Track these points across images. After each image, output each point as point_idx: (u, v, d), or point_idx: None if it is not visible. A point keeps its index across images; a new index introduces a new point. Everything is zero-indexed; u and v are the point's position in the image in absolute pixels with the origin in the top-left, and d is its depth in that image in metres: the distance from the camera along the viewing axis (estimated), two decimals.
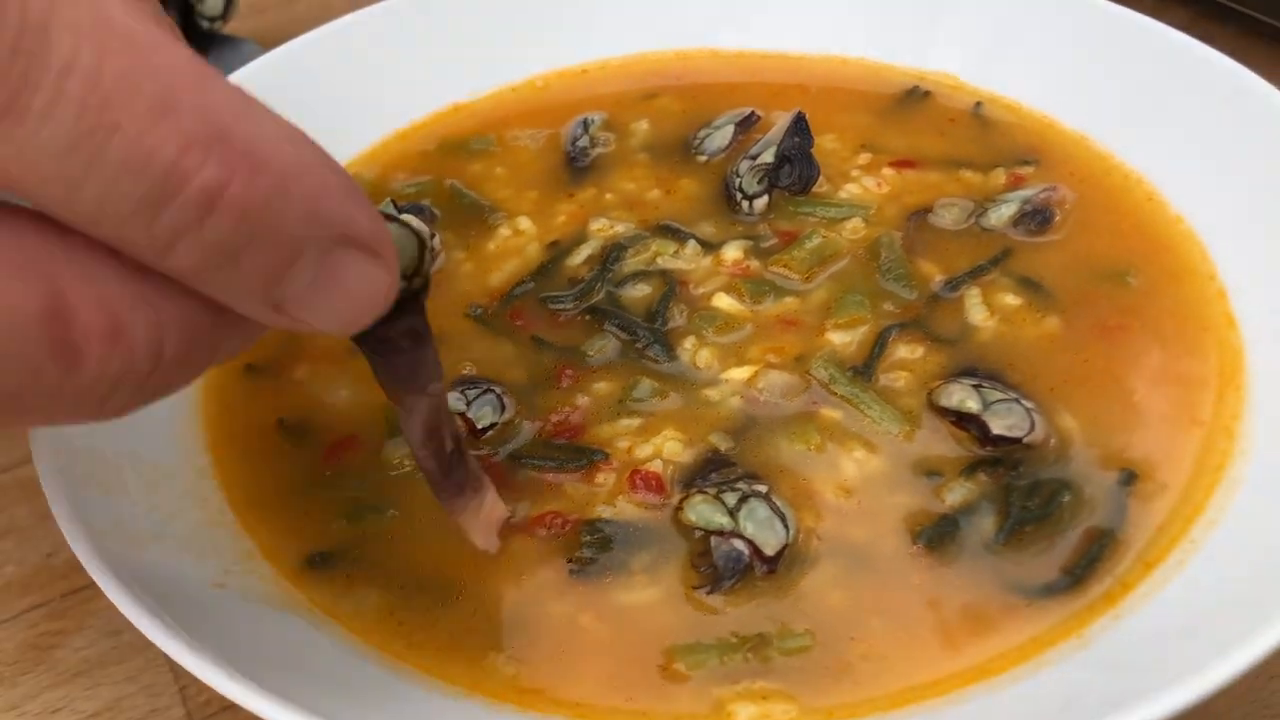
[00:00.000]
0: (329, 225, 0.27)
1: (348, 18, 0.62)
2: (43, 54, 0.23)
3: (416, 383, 0.35)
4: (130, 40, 0.24)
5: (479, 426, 0.45)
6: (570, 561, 0.41)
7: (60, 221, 0.25)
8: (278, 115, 0.27)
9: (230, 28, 0.87)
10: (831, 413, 0.45)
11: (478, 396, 0.46)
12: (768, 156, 0.55)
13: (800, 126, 0.55)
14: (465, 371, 0.48)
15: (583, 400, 0.47)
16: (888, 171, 0.56)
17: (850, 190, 0.55)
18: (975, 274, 0.51)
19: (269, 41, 0.79)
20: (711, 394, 0.47)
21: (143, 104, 0.24)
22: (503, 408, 0.45)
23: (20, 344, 0.25)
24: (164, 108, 0.24)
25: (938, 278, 0.51)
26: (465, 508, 0.38)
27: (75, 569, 0.50)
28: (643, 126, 0.61)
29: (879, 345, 0.47)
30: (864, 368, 0.47)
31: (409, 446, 0.37)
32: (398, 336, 0.33)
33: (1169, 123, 0.55)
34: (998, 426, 0.43)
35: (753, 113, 0.60)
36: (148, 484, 0.42)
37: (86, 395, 0.26)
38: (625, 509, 0.43)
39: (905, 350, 0.47)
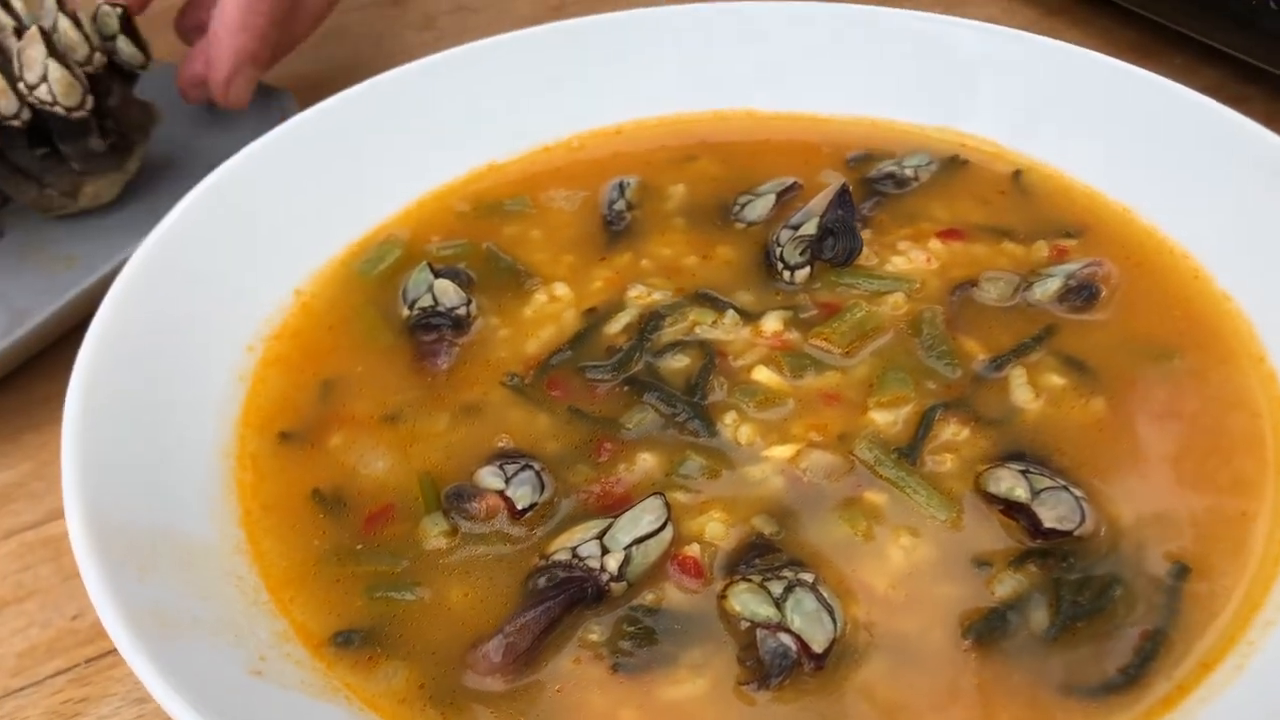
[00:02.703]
0: None
1: (383, 76, 0.62)
2: None
3: None
4: None
5: (519, 507, 0.44)
6: (612, 654, 0.40)
7: None
8: None
9: (266, 75, 0.87)
10: (876, 496, 0.45)
11: (516, 473, 0.45)
12: (810, 228, 0.54)
13: (844, 199, 0.54)
14: (501, 444, 0.47)
15: (624, 472, 0.46)
16: (935, 244, 0.56)
17: (896, 263, 0.55)
18: (1019, 352, 0.50)
19: (302, 88, 0.79)
20: (754, 472, 0.46)
21: None
22: (542, 486, 0.45)
23: None
24: None
25: (981, 355, 0.50)
26: None
27: (100, 633, 0.49)
28: (679, 190, 0.61)
29: (924, 426, 0.47)
30: (909, 449, 0.46)
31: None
32: None
33: (1214, 196, 0.54)
34: (1049, 519, 0.42)
35: (796, 182, 0.60)
36: (182, 563, 0.42)
37: None
38: (669, 594, 0.42)
39: (951, 431, 0.47)
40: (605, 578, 0.41)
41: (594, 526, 0.43)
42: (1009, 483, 0.43)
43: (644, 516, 0.43)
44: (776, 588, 0.40)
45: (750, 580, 0.41)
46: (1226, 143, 0.55)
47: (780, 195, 0.59)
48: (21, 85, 0.61)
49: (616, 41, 0.65)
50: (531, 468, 0.45)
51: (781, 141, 0.64)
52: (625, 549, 0.42)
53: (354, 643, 0.41)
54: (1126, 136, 0.58)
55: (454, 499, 0.45)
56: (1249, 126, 0.55)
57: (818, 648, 0.39)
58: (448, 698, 0.39)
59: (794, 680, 0.39)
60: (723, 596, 0.41)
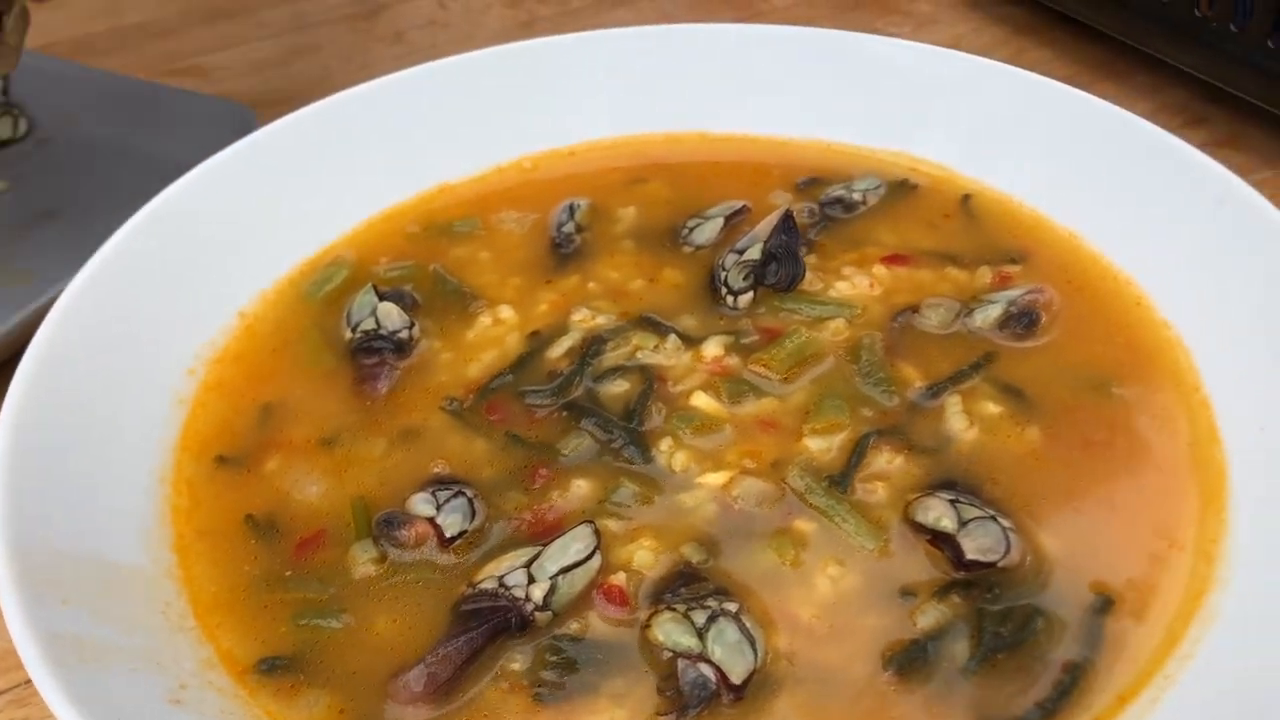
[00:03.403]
0: None
1: (334, 98, 0.62)
2: None
3: None
4: None
5: (447, 535, 0.44)
6: (533, 684, 0.40)
7: None
8: None
9: (228, 87, 0.87)
10: (806, 525, 0.45)
11: (448, 500, 0.45)
12: (754, 253, 0.54)
13: (788, 225, 0.54)
14: (437, 470, 0.48)
15: (558, 499, 0.46)
16: (879, 270, 0.56)
17: (840, 288, 0.55)
18: (956, 380, 0.50)
19: (263, 104, 0.79)
20: (686, 499, 0.46)
21: None
22: (473, 514, 0.45)
23: None
24: None
25: (918, 383, 0.50)
26: None
27: None
28: (629, 213, 0.61)
29: (857, 454, 0.47)
30: (840, 477, 0.46)
31: None
32: None
33: (1159, 224, 0.55)
34: (971, 550, 0.42)
35: (745, 206, 0.60)
36: (109, 588, 0.42)
37: None
38: (593, 623, 0.42)
39: (884, 459, 0.47)
40: (530, 607, 0.41)
41: (523, 555, 0.43)
42: (936, 512, 0.44)
43: (573, 545, 0.43)
44: (700, 617, 0.40)
45: (675, 610, 0.41)
46: (1173, 171, 0.55)
47: (729, 219, 0.59)
48: None
49: (570, 63, 0.65)
50: (464, 494, 0.45)
51: (733, 164, 0.64)
52: (551, 578, 0.42)
53: (278, 670, 0.41)
54: (1075, 162, 0.58)
55: (384, 526, 0.45)
56: (1195, 156, 0.55)
57: (736, 679, 0.39)
58: None
59: (712, 711, 0.39)
60: (647, 626, 0.41)
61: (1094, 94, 0.60)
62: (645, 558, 0.44)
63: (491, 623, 0.41)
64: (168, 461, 0.49)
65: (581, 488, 0.46)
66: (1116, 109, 0.59)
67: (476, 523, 0.45)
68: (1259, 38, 0.71)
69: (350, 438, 0.49)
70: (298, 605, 0.43)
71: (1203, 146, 0.77)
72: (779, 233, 0.54)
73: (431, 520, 0.44)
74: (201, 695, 0.40)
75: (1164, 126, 0.79)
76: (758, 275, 0.54)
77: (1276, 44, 0.71)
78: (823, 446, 0.47)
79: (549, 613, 0.42)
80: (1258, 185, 0.74)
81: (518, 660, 0.41)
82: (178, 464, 0.49)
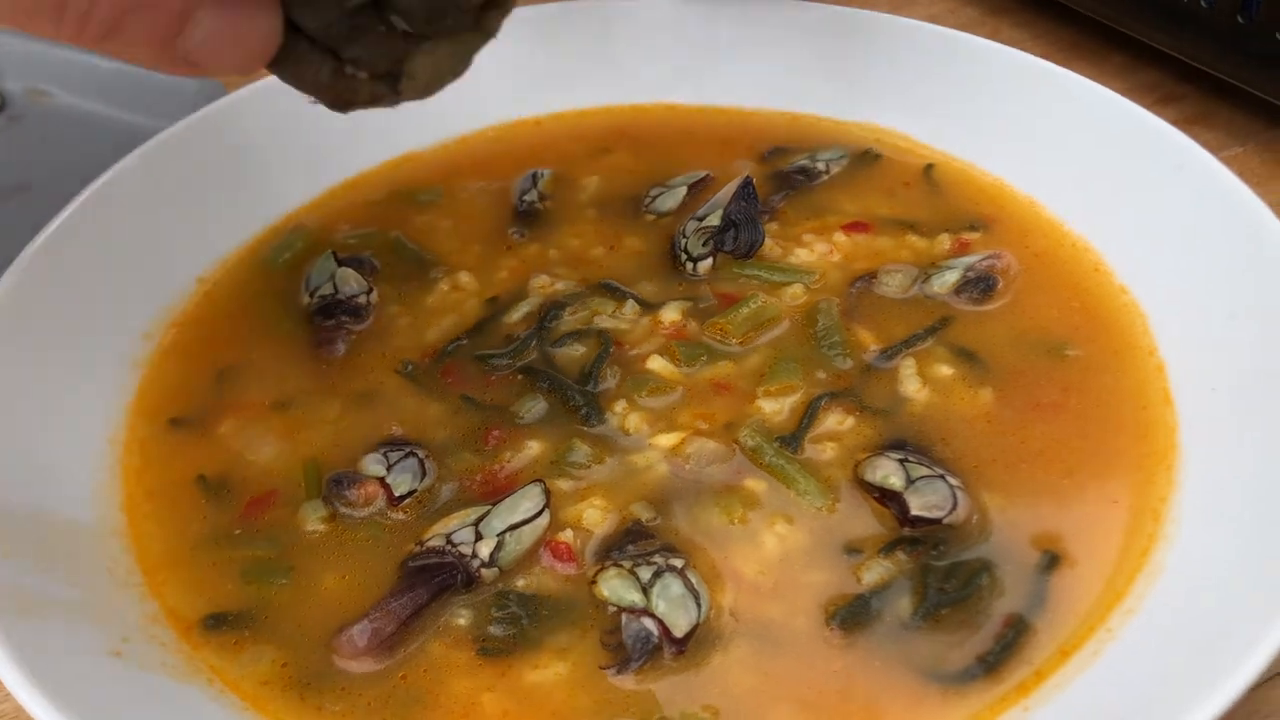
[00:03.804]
0: None
1: None
2: None
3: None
4: None
5: (396, 494, 0.44)
6: (477, 639, 0.40)
7: None
8: None
9: None
10: (755, 484, 0.45)
11: (399, 461, 0.45)
12: (714, 219, 0.54)
13: (747, 191, 0.54)
14: (393, 431, 0.48)
15: (510, 460, 0.46)
16: (839, 237, 0.56)
17: (800, 255, 0.55)
18: (911, 343, 0.50)
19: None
20: (638, 460, 0.46)
21: None
22: (424, 473, 0.45)
23: None
24: None
25: (873, 346, 0.50)
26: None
27: None
28: (593, 182, 0.61)
29: (808, 415, 0.47)
30: (791, 438, 0.46)
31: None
32: None
33: (1120, 191, 0.55)
34: (916, 506, 0.42)
35: (708, 175, 0.60)
36: (54, 544, 0.42)
37: None
38: (540, 580, 0.42)
39: (835, 420, 0.47)
40: (476, 564, 0.41)
41: (473, 513, 0.43)
42: (884, 470, 0.44)
43: (522, 503, 0.43)
44: (645, 573, 0.40)
45: (621, 566, 0.41)
46: (1135, 139, 0.55)
47: (692, 188, 0.59)
48: None
49: (538, 34, 0.65)
50: (416, 455, 0.45)
51: (699, 135, 0.64)
52: (499, 535, 0.42)
53: (223, 626, 0.41)
54: (1038, 131, 0.58)
55: (334, 485, 0.45)
56: (1154, 122, 0.55)
57: (679, 632, 0.39)
58: (310, 680, 0.39)
59: (654, 664, 0.39)
60: (593, 582, 0.41)
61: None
62: (594, 516, 0.44)
63: (437, 579, 0.41)
64: (121, 423, 0.49)
65: (534, 449, 0.46)
66: (1076, 76, 0.59)
67: (426, 482, 0.45)
68: (1229, 14, 0.71)
69: (305, 401, 0.49)
70: (246, 563, 0.43)
71: (1174, 123, 0.77)
72: (738, 199, 0.54)
73: (381, 480, 0.44)
74: (144, 649, 0.40)
75: (1136, 104, 0.80)
76: (717, 242, 0.54)
77: (1246, 20, 0.71)
78: (775, 408, 0.47)
79: (495, 569, 0.42)
80: (1228, 161, 0.74)
81: (463, 616, 0.41)
82: (131, 426, 0.49)
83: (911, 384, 0.48)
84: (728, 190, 0.55)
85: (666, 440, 0.46)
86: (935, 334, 0.50)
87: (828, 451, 0.46)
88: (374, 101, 0.38)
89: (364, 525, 0.44)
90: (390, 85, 0.37)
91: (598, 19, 0.66)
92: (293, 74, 0.36)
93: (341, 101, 0.37)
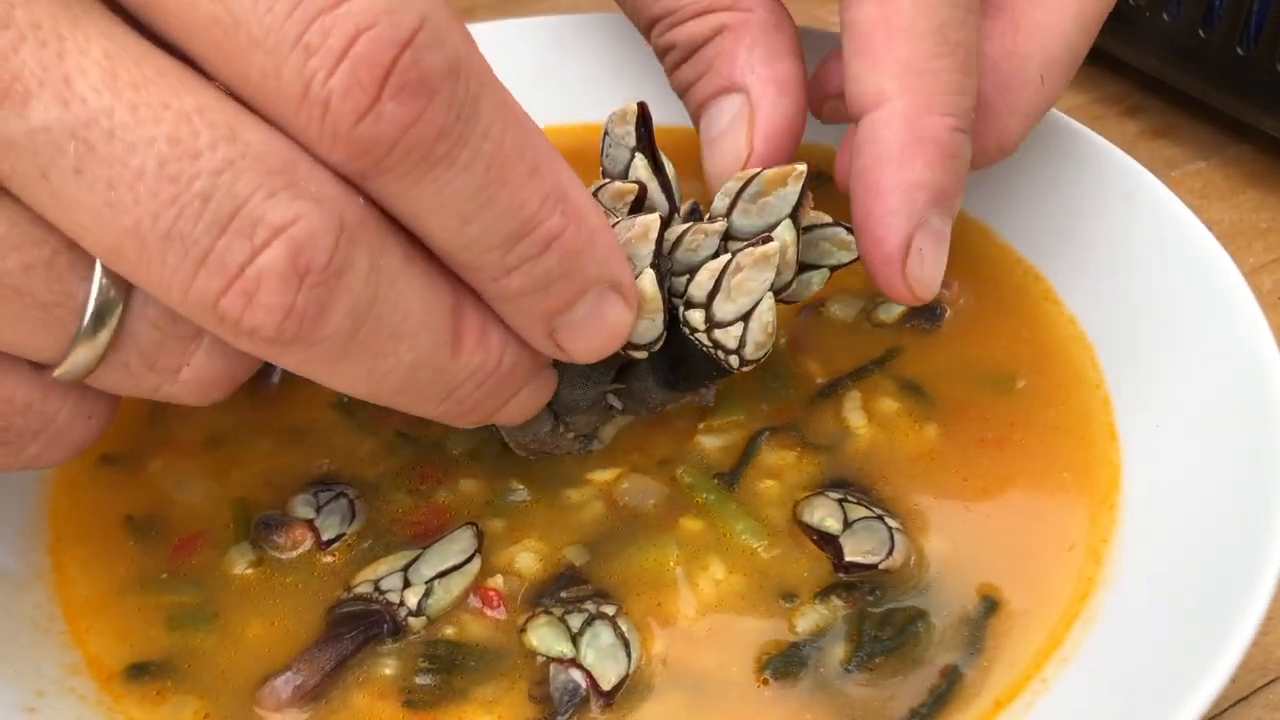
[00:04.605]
0: (610, 274, 0.36)
1: None
2: (473, 121, 0.30)
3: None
4: (518, 118, 0.32)
5: (324, 538, 0.43)
6: (403, 690, 0.39)
7: (437, 250, 0.33)
8: (583, 185, 0.35)
9: None
10: (693, 524, 0.44)
11: (329, 502, 0.44)
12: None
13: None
14: (324, 469, 0.47)
15: (444, 499, 0.45)
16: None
17: None
18: (856, 376, 0.49)
19: None
20: (573, 495, 0.45)
21: (524, 167, 0.32)
22: (353, 515, 0.44)
23: (436, 323, 0.33)
24: (534, 171, 0.32)
25: (819, 379, 0.49)
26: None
27: None
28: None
29: (749, 451, 0.46)
30: (730, 474, 0.45)
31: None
32: None
33: (1067, 218, 0.54)
34: (852, 552, 0.41)
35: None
36: None
37: (450, 380, 0.35)
38: (469, 628, 0.41)
39: (777, 457, 0.46)
40: (404, 612, 0.41)
41: (402, 558, 0.42)
42: (822, 512, 0.43)
43: (452, 547, 0.42)
44: (576, 621, 0.40)
45: (551, 613, 0.40)
46: (1087, 165, 0.54)
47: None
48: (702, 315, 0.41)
49: (487, 52, 0.63)
50: (346, 496, 0.45)
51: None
52: (427, 582, 0.41)
53: (145, 675, 0.40)
54: None
55: (262, 528, 0.44)
56: (1110, 150, 0.54)
57: (606, 685, 0.38)
58: None
59: (581, 717, 0.38)
60: (523, 630, 0.40)
61: None
62: (527, 559, 0.43)
63: (363, 628, 0.40)
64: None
65: (469, 487, 0.46)
66: None
67: (356, 526, 0.44)
68: (1190, 26, 0.71)
69: (238, 436, 0.48)
70: (171, 609, 0.42)
71: (1138, 137, 0.77)
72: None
73: (310, 523, 0.44)
74: (60, 703, 0.39)
75: (1102, 116, 0.79)
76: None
77: (1207, 34, 0.70)
78: (716, 444, 0.47)
79: (423, 618, 0.41)
80: (1192, 176, 0.74)
81: (389, 665, 0.40)
82: (62, 464, 0.47)
83: (855, 418, 0.47)
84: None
85: (602, 476, 0.46)
86: (882, 366, 0.50)
87: (769, 490, 0.45)
88: (563, 452, 0.46)
89: (292, 569, 0.43)
90: (584, 443, 0.46)
91: (549, 36, 0.65)
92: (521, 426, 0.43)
93: (540, 451, 0.45)
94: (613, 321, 0.37)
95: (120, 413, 0.49)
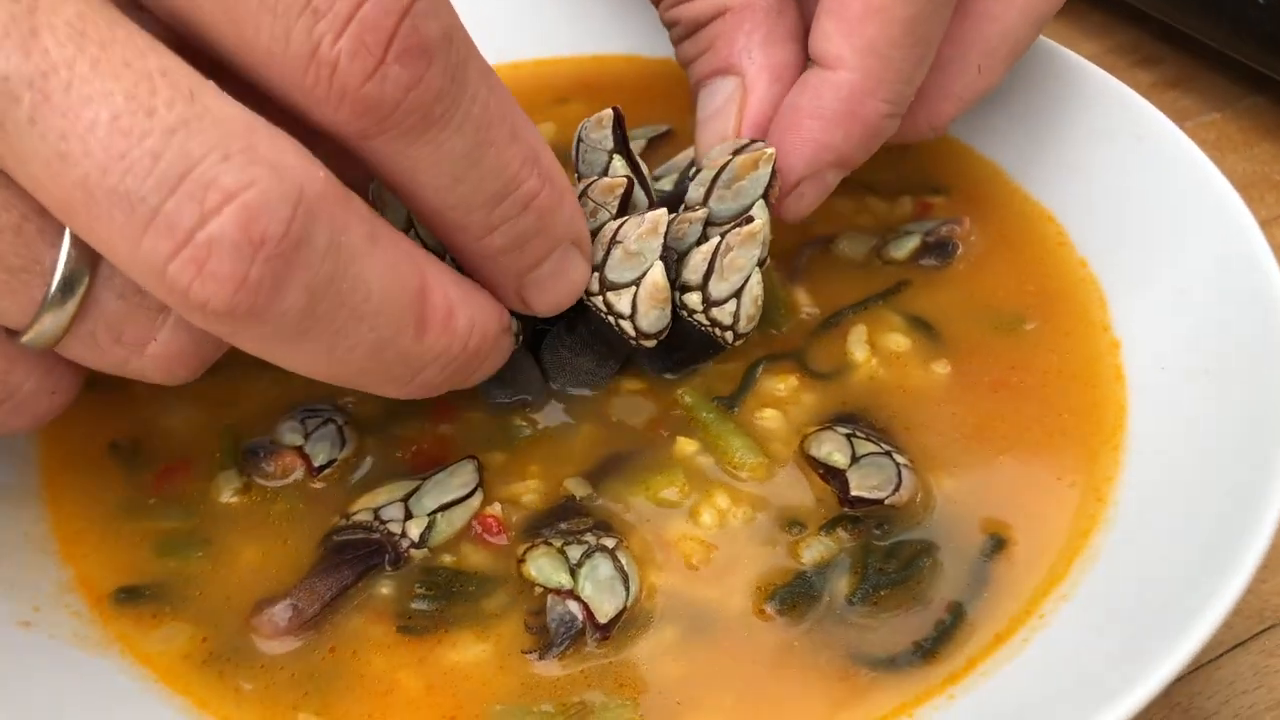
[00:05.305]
0: (574, 231, 0.38)
1: None
2: (464, 86, 0.32)
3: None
4: (498, 84, 0.34)
5: (315, 464, 0.42)
6: (399, 614, 0.39)
7: (424, 211, 0.35)
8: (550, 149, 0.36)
9: None
10: (696, 455, 0.43)
11: (317, 429, 0.43)
12: (666, 184, 0.52)
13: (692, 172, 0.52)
14: (312, 398, 0.45)
15: (445, 429, 0.45)
16: None
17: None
18: (861, 308, 0.49)
19: None
20: (572, 420, 0.44)
21: (506, 130, 0.34)
22: (342, 441, 0.43)
23: (399, 305, 0.33)
24: (514, 134, 0.34)
25: (824, 311, 0.48)
26: None
27: None
28: (548, 129, 0.59)
29: (748, 376, 0.46)
30: (730, 399, 0.45)
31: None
32: None
33: (1079, 160, 0.53)
34: (858, 486, 0.41)
35: (669, 129, 0.58)
36: None
37: (415, 363, 0.35)
38: (468, 556, 0.41)
39: (778, 382, 0.46)
40: (405, 544, 0.40)
41: (401, 488, 0.41)
42: (830, 446, 0.42)
43: (452, 481, 0.42)
44: (575, 553, 0.39)
45: (551, 544, 0.40)
46: (1104, 110, 0.53)
47: (652, 141, 0.57)
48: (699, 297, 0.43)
49: None
50: (334, 422, 0.44)
51: (662, 88, 0.62)
52: (430, 515, 0.40)
53: (138, 599, 0.40)
54: (1004, 97, 0.56)
55: (250, 455, 0.43)
56: (1123, 92, 0.53)
57: (603, 618, 0.38)
58: (227, 656, 0.38)
59: (577, 649, 0.38)
60: (521, 560, 0.40)
61: (1045, 34, 0.58)
62: (527, 491, 0.42)
63: (363, 557, 0.40)
64: None
65: (470, 419, 0.45)
66: (1049, 43, 0.56)
67: (346, 451, 0.43)
68: None
69: (226, 361, 0.47)
70: (160, 535, 0.41)
71: (1152, 87, 0.76)
72: (695, 167, 0.52)
73: (299, 449, 0.43)
74: (55, 619, 0.38)
75: (1114, 67, 0.78)
76: (670, 205, 0.52)
77: None
78: (716, 369, 0.46)
79: (425, 550, 0.40)
80: (1205, 127, 0.73)
81: (386, 586, 0.40)
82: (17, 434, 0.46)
83: (860, 352, 0.47)
84: (686, 154, 0.53)
85: (600, 400, 0.45)
86: (885, 299, 0.49)
87: (773, 422, 0.44)
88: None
89: (281, 496, 0.42)
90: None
91: None
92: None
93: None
94: (575, 276, 0.39)
95: None
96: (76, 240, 0.30)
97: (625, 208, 0.43)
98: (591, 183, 0.43)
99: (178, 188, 0.28)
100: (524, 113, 0.35)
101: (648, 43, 0.63)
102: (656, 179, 0.53)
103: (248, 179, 0.28)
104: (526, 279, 0.37)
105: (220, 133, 0.28)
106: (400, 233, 0.34)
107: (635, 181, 0.44)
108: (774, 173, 0.44)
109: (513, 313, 0.39)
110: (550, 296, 0.39)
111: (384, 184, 0.35)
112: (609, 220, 0.42)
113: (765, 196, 0.44)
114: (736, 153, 0.44)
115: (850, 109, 0.44)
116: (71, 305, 0.31)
